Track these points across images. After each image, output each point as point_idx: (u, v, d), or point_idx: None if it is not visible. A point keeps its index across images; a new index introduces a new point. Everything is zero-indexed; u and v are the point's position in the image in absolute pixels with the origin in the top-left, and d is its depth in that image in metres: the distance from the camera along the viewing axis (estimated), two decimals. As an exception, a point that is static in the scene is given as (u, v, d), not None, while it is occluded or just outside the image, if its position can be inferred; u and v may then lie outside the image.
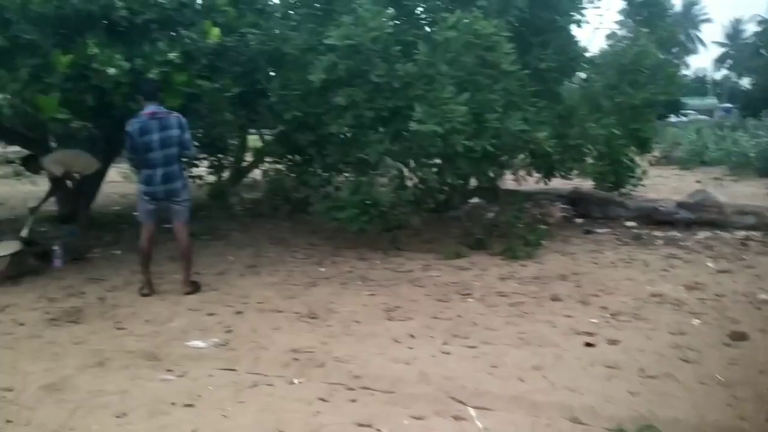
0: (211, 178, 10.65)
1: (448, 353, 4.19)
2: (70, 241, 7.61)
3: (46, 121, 5.40)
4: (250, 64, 7.77)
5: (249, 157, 11.23)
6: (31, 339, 4.59)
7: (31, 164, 7.32)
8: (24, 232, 7.01)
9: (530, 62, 7.22)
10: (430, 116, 6.14)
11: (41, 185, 14.76)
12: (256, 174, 11.32)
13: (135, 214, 10.09)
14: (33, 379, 3.86)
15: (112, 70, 5.52)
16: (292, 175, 8.09)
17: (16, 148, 25.76)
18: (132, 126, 5.33)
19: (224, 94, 6.79)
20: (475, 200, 9.17)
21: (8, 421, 3.35)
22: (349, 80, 6.66)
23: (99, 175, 7.45)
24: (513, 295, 5.48)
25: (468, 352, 4.22)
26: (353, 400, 3.54)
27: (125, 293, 5.73)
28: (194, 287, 5.68)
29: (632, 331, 4.61)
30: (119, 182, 14.03)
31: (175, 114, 5.49)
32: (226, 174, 10.62)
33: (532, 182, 8.71)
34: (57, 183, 7.44)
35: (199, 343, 4.43)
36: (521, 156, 7.44)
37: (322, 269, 6.45)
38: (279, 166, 8.68)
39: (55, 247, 6.71)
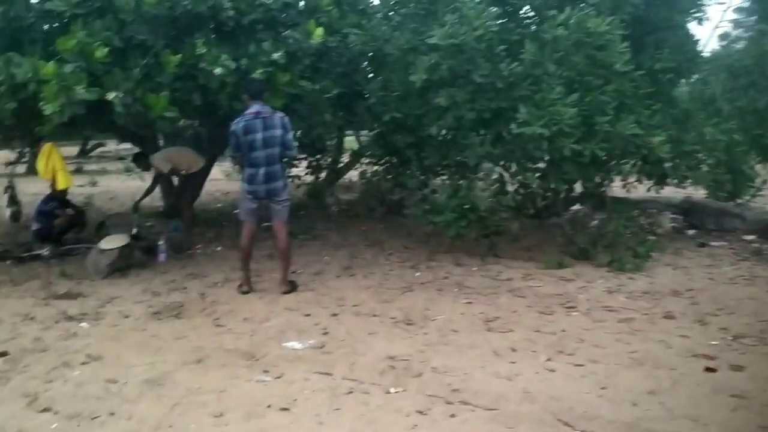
0: (309, 179, 10.75)
1: (552, 370, 3.93)
2: (174, 236, 7.85)
3: (155, 119, 5.54)
4: (350, 65, 7.76)
5: (345, 158, 11.29)
6: (135, 332, 4.69)
7: (141, 161, 7.60)
8: (134, 230, 7.30)
9: (644, 62, 6.78)
10: (536, 118, 5.86)
11: (149, 181, 15.51)
12: (352, 175, 11.35)
13: (236, 212, 10.44)
14: (135, 373, 3.92)
15: (218, 70, 5.61)
16: (388, 177, 7.97)
17: (127, 146, 27.21)
18: (237, 125, 5.39)
19: (324, 96, 6.79)
20: (576, 207, 8.78)
21: (111, 414, 3.39)
22: (450, 81, 6.48)
23: (203, 173, 7.63)
24: (622, 310, 5.13)
25: (574, 370, 3.94)
26: (452, 415, 3.36)
27: (225, 290, 5.80)
28: (291, 287, 5.68)
29: (759, 356, 4.18)
30: (220, 180, 14.51)
31: (279, 114, 5.50)
32: (323, 175, 10.68)
33: (640, 190, 8.23)
34: (158, 179, 7.69)
35: (296, 345, 4.38)
36: (631, 162, 6.99)
37: (418, 274, 6.30)
38: (375, 168, 8.62)
39: (161, 242, 6.91)
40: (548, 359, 4.11)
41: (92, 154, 24.35)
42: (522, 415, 3.34)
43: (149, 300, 5.49)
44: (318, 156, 10.21)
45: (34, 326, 4.81)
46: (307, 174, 10.59)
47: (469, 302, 5.34)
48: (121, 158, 23.36)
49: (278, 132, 5.42)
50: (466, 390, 3.64)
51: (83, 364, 4.07)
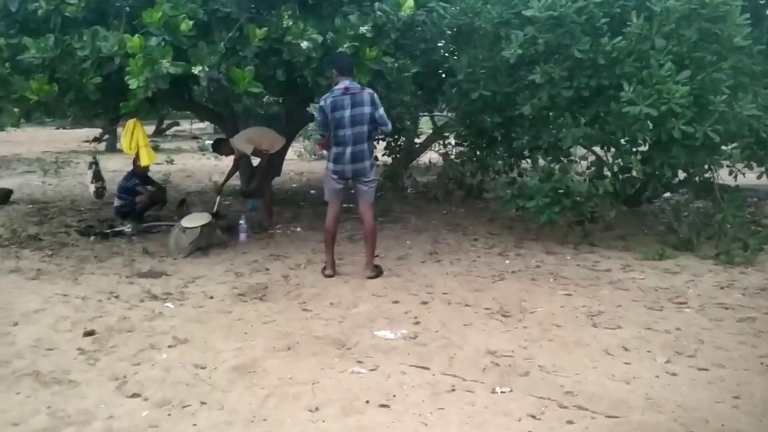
0: (386, 160, 10.48)
1: (674, 374, 3.53)
2: (253, 215, 7.73)
3: (240, 94, 5.35)
4: (434, 41, 7.41)
5: (421, 139, 10.96)
6: (220, 314, 4.53)
7: (221, 147, 7.45)
8: (214, 209, 7.20)
9: (762, 37, 6.17)
10: (641, 97, 5.38)
11: (223, 159, 15.56)
12: (430, 157, 11.00)
13: (312, 192, 10.32)
14: (224, 358, 3.73)
15: (305, 44, 5.36)
16: (473, 158, 7.58)
17: (201, 125, 27.53)
18: (325, 101, 5.13)
19: (405, 73, 6.45)
20: (668, 194, 8.21)
21: (203, 403, 3.20)
22: (546, 56, 6.05)
23: (282, 152, 7.44)
24: (739, 308, 4.64)
25: (700, 375, 3.53)
26: (570, 422, 3.02)
27: (308, 272, 5.59)
28: (377, 271, 5.42)
29: None
30: (293, 160, 14.44)
31: (368, 90, 5.22)
32: (400, 156, 10.39)
33: (750, 177, 7.59)
34: (240, 161, 7.55)
35: (388, 334, 4.11)
36: (741, 146, 6.40)
37: (507, 261, 5.94)
38: (457, 149, 8.25)
39: (241, 222, 6.77)
40: (667, 361, 3.70)
41: (167, 132, 24.80)
42: (649, 426, 2.97)
43: (233, 281, 5.33)
44: (395, 137, 9.89)
45: (119, 305, 4.71)
46: (384, 155, 10.29)
47: (568, 294, 4.96)
48: (194, 137, 23.75)
49: (367, 109, 5.14)
50: (580, 393, 3.29)
51: (170, 347, 3.91)
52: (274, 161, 7.29)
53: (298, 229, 7.38)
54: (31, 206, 8.85)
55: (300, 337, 4.06)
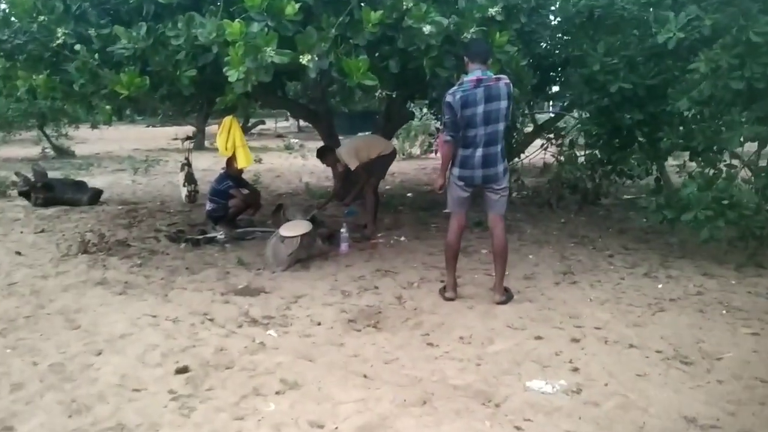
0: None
1: None
2: (351, 219, 7.01)
3: (352, 88, 4.58)
4: (560, 27, 6.47)
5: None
6: (332, 347, 3.76)
7: (326, 156, 6.72)
8: (312, 213, 6.53)
9: None
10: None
11: (310, 159, 15.02)
12: (539, 157, 9.98)
13: (408, 194, 9.52)
14: (345, 413, 2.96)
15: (427, 28, 4.51)
16: (605, 161, 6.54)
17: (285, 124, 27.29)
18: (453, 96, 4.29)
19: (524, 63, 5.54)
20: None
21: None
22: (709, 41, 5.01)
23: (391, 156, 6.66)
24: None
25: None
26: None
27: (423, 292, 4.78)
28: (507, 295, 4.55)
29: None
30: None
31: (505, 80, 4.34)
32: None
33: None
34: (343, 173, 6.83)
35: (543, 386, 3.24)
36: None
37: (659, 285, 4.93)
38: (585, 151, 7.23)
39: (343, 230, 6.03)
40: None
41: (253, 131, 24.64)
42: None
43: (340, 302, 4.58)
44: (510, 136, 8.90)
45: (214, 331, 4.03)
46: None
47: (755, 333, 3.93)
48: (279, 135, 23.45)
49: (503, 104, 4.27)
50: None
51: (278, 393, 3.17)
52: (378, 162, 6.50)
53: (402, 238, 6.57)
54: (120, 207, 8.43)
55: (433, 386, 3.24)
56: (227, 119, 5.69)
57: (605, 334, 3.95)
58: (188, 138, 6.69)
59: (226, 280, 5.14)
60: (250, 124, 24.60)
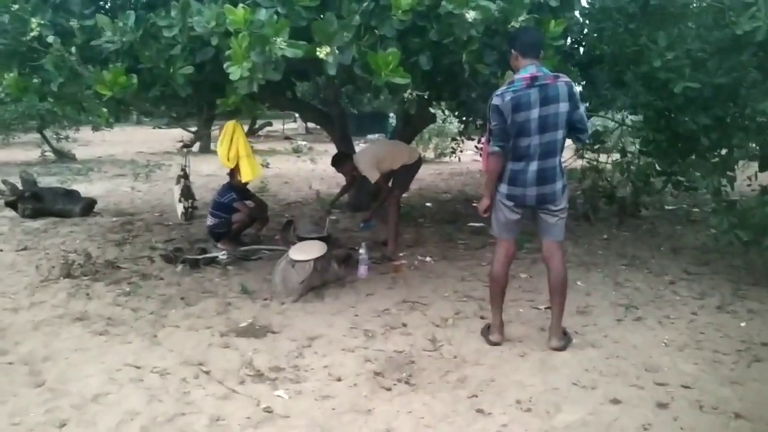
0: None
1: None
2: (368, 234, 6.21)
3: (379, 86, 3.75)
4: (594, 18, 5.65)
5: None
6: (358, 417, 2.94)
7: (343, 165, 5.87)
8: (325, 230, 5.73)
9: None
10: None
11: (320, 164, 14.21)
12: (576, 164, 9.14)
13: (428, 204, 8.70)
14: None
15: (471, 14, 3.67)
16: (664, 171, 5.67)
17: (292, 125, 26.51)
18: (503, 98, 3.45)
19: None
20: None
21: None
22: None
23: (417, 165, 5.83)
24: None
25: None
26: None
27: (461, 333, 3.96)
28: (566, 340, 3.73)
29: None
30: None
31: (564, 78, 3.51)
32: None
33: None
34: (356, 179, 6.01)
35: (643, 485, 2.41)
36: None
37: (742, 324, 4.09)
38: (633, 159, 6.38)
39: (362, 251, 5.21)
40: None
41: (260, 133, 23.85)
42: None
43: (362, 345, 3.76)
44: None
45: (210, 389, 3.22)
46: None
47: None
48: (287, 138, 22.63)
49: (563, 107, 3.44)
50: None
51: (290, 494, 2.36)
52: (402, 171, 5.68)
53: (428, 258, 5.75)
54: (115, 219, 7.63)
55: (497, 484, 2.42)
56: (229, 125, 4.86)
57: (698, 396, 3.11)
58: (185, 145, 5.86)
59: (227, 314, 4.33)
60: (257, 126, 23.85)
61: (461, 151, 12.03)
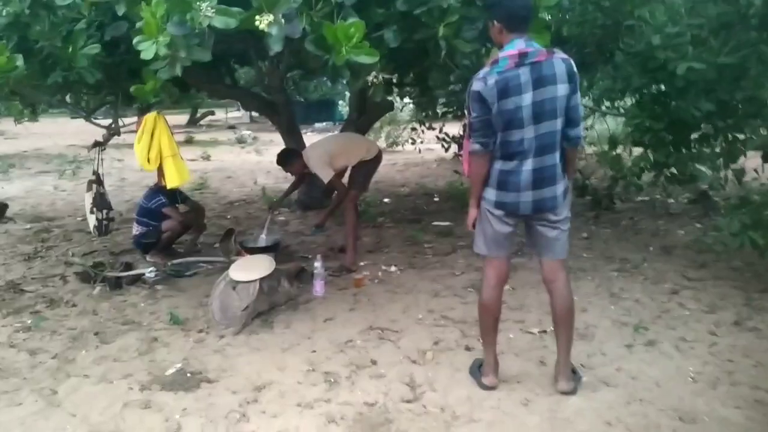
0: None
1: None
2: (318, 233, 5.41)
3: (338, 68, 2.91)
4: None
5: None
6: None
7: (291, 162, 4.98)
8: (263, 235, 4.87)
9: None
10: None
11: (266, 155, 13.21)
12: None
13: (386, 201, 7.86)
14: None
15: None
16: (660, 162, 4.97)
17: (237, 114, 25.27)
18: (485, 81, 2.66)
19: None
20: None
21: None
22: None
23: (377, 160, 5.01)
24: None
25: None
26: None
27: (446, 372, 3.18)
28: (576, 379, 2.99)
29: None
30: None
31: (561, 55, 2.72)
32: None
33: None
34: (307, 176, 5.15)
35: None
36: None
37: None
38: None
39: (317, 265, 4.37)
40: None
41: (202, 122, 22.56)
42: None
43: (324, 396, 2.94)
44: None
45: (121, 478, 2.36)
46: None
47: None
48: (231, 127, 21.40)
49: (563, 90, 2.67)
50: None
51: None
52: (361, 167, 4.88)
53: (393, 268, 4.96)
54: (29, 227, 6.56)
55: None
56: (149, 117, 3.87)
57: (757, 457, 2.43)
58: (97, 143, 4.90)
59: (151, 354, 3.44)
60: (198, 116, 22.55)
61: (421, 142, 11.18)
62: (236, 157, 13.09)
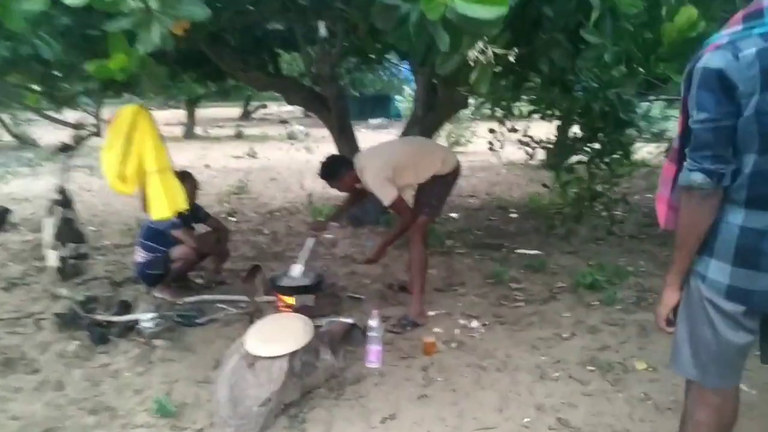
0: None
1: None
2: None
3: (435, 26, 1.58)
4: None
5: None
6: None
7: (338, 175, 3.57)
8: (300, 265, 3.58)
9: None
10: None
11: (317, 153, 11.99)
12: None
13: (454, 216, 6.36)
14: None
15: None
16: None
17: (288, 108, 24.34)
18: (734, 51, 1.34)
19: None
20: None
21: None
22: None
23: (453, 176, 3.63)
24: None
25: None
26: None
27: None
28: None
29: None
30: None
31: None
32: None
33: None
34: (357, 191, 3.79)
35: None
36: None
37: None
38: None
39: (373, 325, 3.03)
40: None
41: (254, 116, 21.61)
42: None
43: None
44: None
45: None
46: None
47: None
48: (283, 121, 20.28)
49: None
50: None
51: None
52: (438, 187, 3.53)
53: (474, 323, 3.58)
54: (29, 239, 5.43)
55: None
56: (125, 112, 2.53)
57: None
58: (65, 147, 3.70)
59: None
60: (251, 109, 21.60)
61: (501, 147, 8.61)
62: (284, 155, 11.92)
